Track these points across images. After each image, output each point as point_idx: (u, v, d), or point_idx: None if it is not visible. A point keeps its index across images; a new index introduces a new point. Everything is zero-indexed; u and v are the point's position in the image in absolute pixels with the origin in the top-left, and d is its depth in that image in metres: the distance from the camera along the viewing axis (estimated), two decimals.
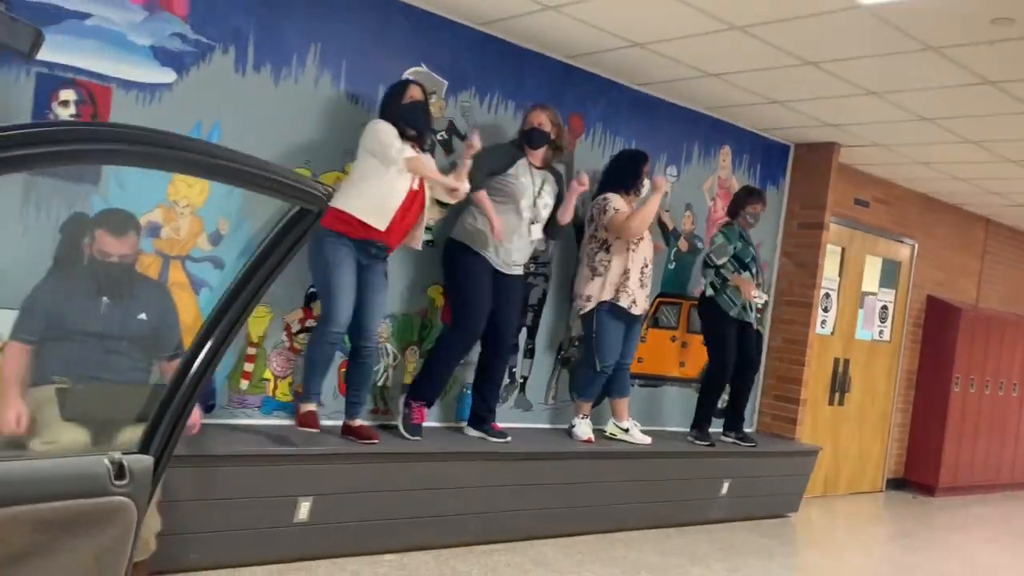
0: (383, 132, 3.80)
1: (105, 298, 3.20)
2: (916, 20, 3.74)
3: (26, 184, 3.37)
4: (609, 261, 4.85)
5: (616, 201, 4.85)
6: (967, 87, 4.47)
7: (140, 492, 1.42)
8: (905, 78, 4.51)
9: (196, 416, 3.22)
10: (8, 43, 0.93)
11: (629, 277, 4.82)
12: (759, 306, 5.56)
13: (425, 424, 4.33)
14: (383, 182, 3.78)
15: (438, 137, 4.55)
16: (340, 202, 3.77)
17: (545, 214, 4.49)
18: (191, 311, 3.72)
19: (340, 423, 4.08)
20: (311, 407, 3.87)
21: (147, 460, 1.47)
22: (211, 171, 1.27)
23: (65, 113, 3.43)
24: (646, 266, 4.89)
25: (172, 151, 1.20)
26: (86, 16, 3.44)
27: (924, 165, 6.51)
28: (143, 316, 3.27)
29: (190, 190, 3.78)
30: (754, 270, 5.46)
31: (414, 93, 3.95)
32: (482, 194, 4.25)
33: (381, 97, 4.05)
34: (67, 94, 3.43)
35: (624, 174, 4.89)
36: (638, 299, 4.88)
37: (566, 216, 4.57)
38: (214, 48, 3.78)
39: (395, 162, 3.76)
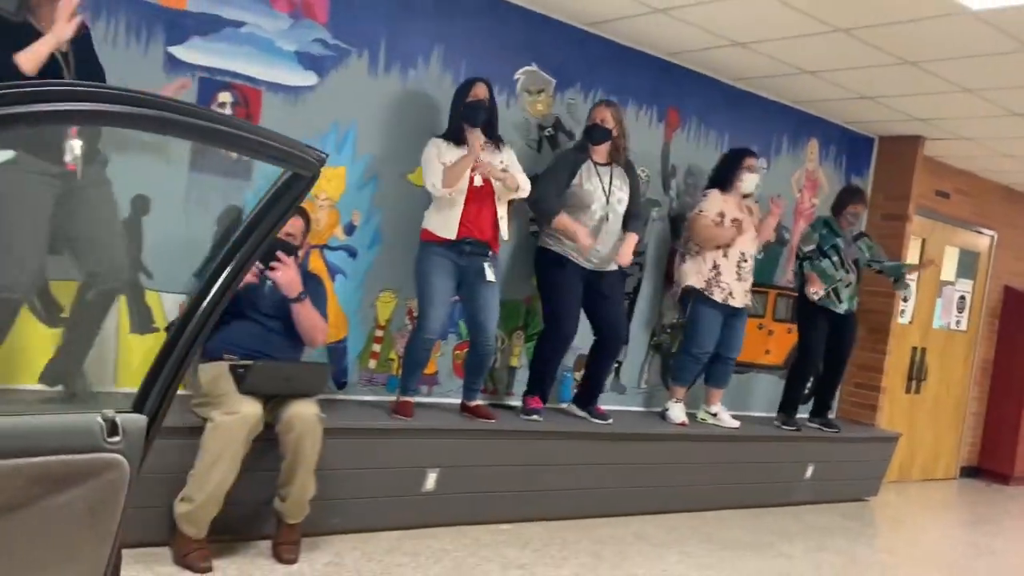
0: (425, 165, 3.99)
1: (270, 280, 3.51)
2: (1018, 21, 3.87)
3: (188, 182, 3.70)
4: (699, 253, 5.06)
5: (708, 200, 5.05)
6: None
7: (133, 450, 1.42)
8: (1001, 76, 4.62)
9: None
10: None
11: (721, 270, 5.02)
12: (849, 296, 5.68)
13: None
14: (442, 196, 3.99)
15: (545, 133, 4.80)
16: (425, 220, 4.07)
17: (621, 208, 4.55)
18: (328, 296, 4.03)
19: (455, 401, 4.39)
20: (407, 398, 4.15)
21: (141, 419, 1.47)
22: (205, 135, 1.25)
23: None
24: (744, 260, 5.07)
25: (167, 114, 1.18)
26: (241, 24, 3.75)
27: (1008, 157, 6.58)
28: (292, 306, 3.57)
29: (329, 184, 4.08)
30: (836, 260, 5.59)
31: (478, 92, 4.05)
32: (561, 218, 4.35)
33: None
34: (224, 96, 3.75)
35: (723, 171, 5.08)
36: (735, 291, 5.06)
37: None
38: (350, 52, 4.07)
39: (437, 194, 3.96)
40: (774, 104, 5.81)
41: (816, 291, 5.49)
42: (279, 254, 3.39)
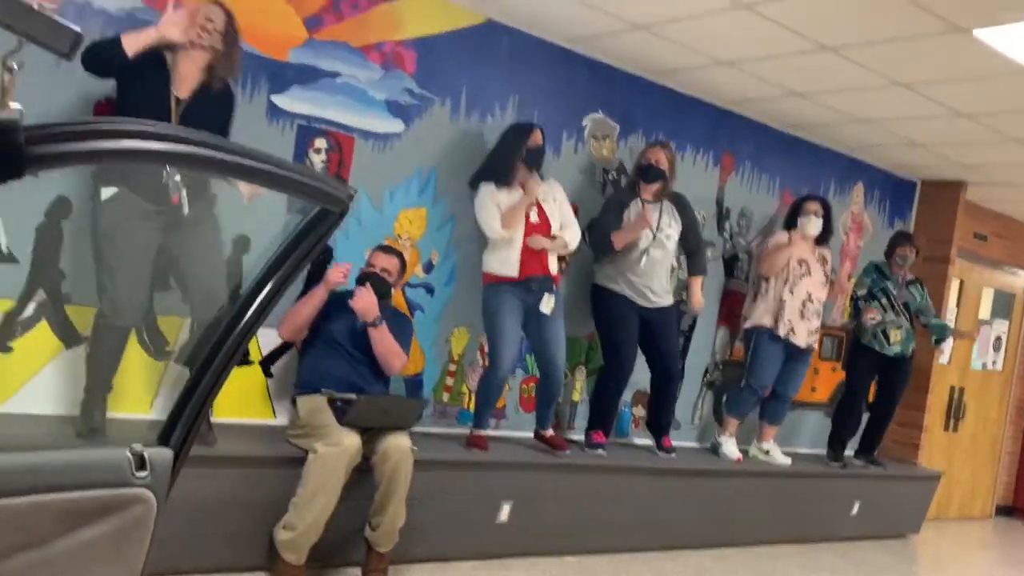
0: (479, 213, 4.14)
1: (348, 317, 3.68)
2: None
3: (284, 224, 3.89)
4: (767, 289, 5.24)
5: (777, 237, 5.25)
6: None
7: (159, 484, 1.42)
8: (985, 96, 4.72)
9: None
10: (48, 43, 0.94)
11: (785, 306, 5.18)
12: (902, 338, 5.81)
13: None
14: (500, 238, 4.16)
15: (609, 177, 4.99)
16: (484, 263, 4.24)
17: (670, 244, 4.70)
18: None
19: (522, 434, 4.55)
20: (480, 432, 4.31)
21: (167, 453, 1.47)
22: (237, 171, 1.25)
23: (318, 159, 3.96)
24: (810, 300, 5.22)
25: (201, 151, 1.17)
26: (337, 75, 3.97)
27: None
28: (369, 330, 3.74)
29: (411, 225, 4.28)
30: (884, 302, 5.75)
31: (537, 138, 4.21)
32: (616, 236, 4.49)
33: (506, 129, 4.29)
34: (320, 143, 3.96)
35: (790, 216, 5.30)
36: (797, 329, 5.20)
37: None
38: (434, 101, 4.28)
39: (494, 237, 4.13)
40: (823, 150, 6.00)
41: (872, 316, 5.62)
42: (356, 288, 3.60)
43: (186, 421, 1.51)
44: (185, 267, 3.41)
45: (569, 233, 4.31)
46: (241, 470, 3.46)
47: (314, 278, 3.95)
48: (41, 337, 3.41)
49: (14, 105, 0.92)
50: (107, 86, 3.42)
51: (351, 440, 3.36)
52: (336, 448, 3.32)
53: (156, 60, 3.18)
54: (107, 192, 3.15)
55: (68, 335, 3.46)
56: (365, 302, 3.59)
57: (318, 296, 3.63)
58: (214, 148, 1.19)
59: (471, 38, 4.35)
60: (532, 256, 4.17)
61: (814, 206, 5.29)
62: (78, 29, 0.96)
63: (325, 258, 4.01)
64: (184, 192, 3.17)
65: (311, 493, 3.32)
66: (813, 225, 5.27)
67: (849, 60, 4.18)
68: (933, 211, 6.67)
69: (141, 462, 1.38)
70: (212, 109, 3.27)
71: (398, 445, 3.47)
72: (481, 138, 4.45)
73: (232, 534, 3.46)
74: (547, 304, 4.18)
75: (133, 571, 1.41)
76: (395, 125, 4.17)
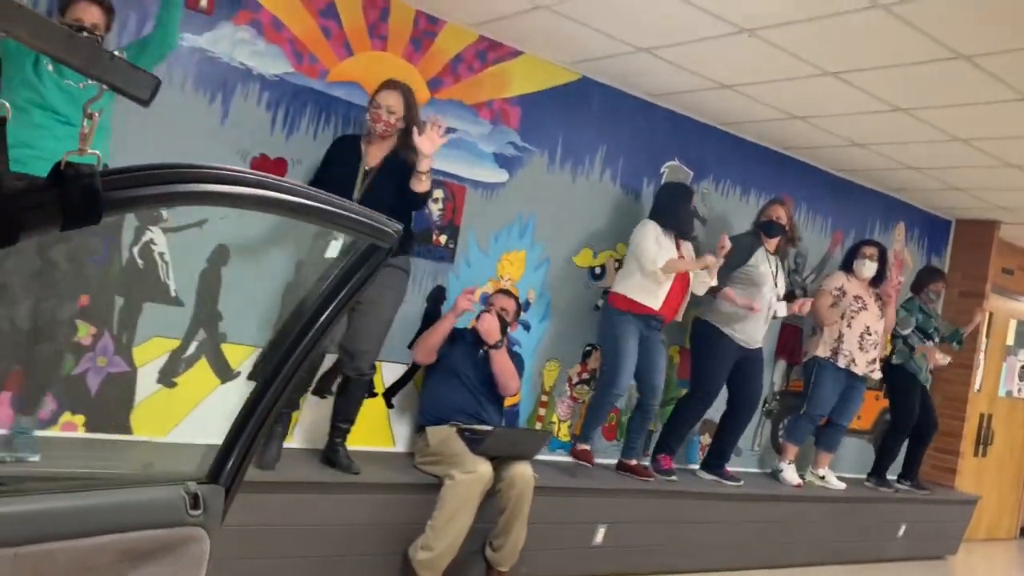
0: (644, 242, 4.56)
1: (481, 350, 4.03)
2: None
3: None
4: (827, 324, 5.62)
5: (831, 278, 5.63)
6: None
7: (213, 521, 1.44)
8: None
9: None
10: (128, 90, 0.96)
11: (843, 339, 5.54)
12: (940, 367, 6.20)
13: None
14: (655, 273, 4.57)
15: None
16: (622, 287, 4.61)
17: (781, 294, 5.19)
18: None
19: (604, 461, 4.88)
20: (586, 446, 4.65)
21: (219, 490, 1.49)
22: (288, 208, 1.26)
23: (435, 208, 4.30)
24: (868, 332, 5.59)
25: (256, 191, 1.18)
26: (453, 131, 4.32)
27: None
28: (490, 352, 4.08)
29: (511, 267, 4.62)
30: (936, 340, 6.14)
31: (694, 199, 4.77)
32: (727, 291, 4.93)
33: (661, 191, 4.84)
34: (437, 193, 4.31)
35: (848, 257, 5.70)
36: (857, 360, 5.56)
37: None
38: (534, 153, 4.64)
39: (649, 269, 4.53)
40: (869, 191, 6.38)
41: (942, 359, 6.00)
42: (481, 314, 3.97)
43: (236, 459, 1.52)
44: (357, 329, 3.73)
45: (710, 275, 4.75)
46: (376, 496, 3.78)
47: (430, 316, 4.30)
48: (201, 373, 3.74)
49: (92, 151, 0.94)
50: (262, 143, 3.77)
51: (484, 468, 3.69)
52: (472, 475, 3.65)
53: (354, 144, 3.67)
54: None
55: (224, 371, 3.78)
56: (490, 325, 3.95)
57: (448, 322, 3.98)
58: (275, 189, 1.21)
59: (567, 94, 4.72)
60: (672, 299, 4.63)
61: (871, 251, 5.66)
62: (158, 77, 0.98)
63: (439, 296, 4.35)
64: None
65: (449, 516, 3.64)
66: (868, 269, 5.64)
67: (919, 119, 4.56)
68: (968, 248, 7.06)
69: (195, 501, 1.40)
70: (395, 176, 3.64)
71: (523, 473, 3.80)
72: (573, 186, 4.81)
73: (368, 555, 3.77)
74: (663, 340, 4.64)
75: None
76: (500, 175, 4.53)
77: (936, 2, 3.15)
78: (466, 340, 4.07)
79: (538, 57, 4.57)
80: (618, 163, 4.97)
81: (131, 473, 3.26)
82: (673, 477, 4.96)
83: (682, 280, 4.71)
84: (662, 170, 5.19)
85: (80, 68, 0.94)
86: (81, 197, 0.92)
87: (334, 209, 1.31)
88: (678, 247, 4.70)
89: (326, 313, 1.51)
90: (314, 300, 1.53)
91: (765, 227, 5.14)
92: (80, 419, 3.44)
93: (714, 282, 4.75)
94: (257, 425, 1.53)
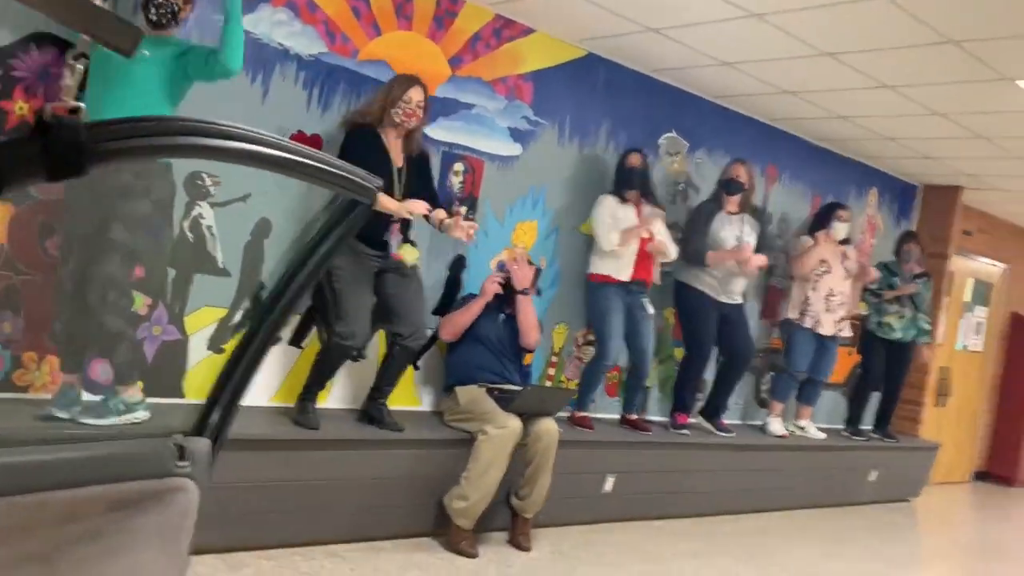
0: (596, 223, 4.85)
1: (502, 314, 4.31)
2: None
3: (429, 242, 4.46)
4: (794, 288, 5.98)
5: (805, 242, 5.97)
6: None
7: (200, 473, 1.46)
8: (1009, 126, 5.47)
9: None
10: (111, 40, 0.95)
11: (810, 302, 5.93)
12: (905, 326, 6.63)
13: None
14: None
15: (678, 188, 5.65)
16: (593, 264, 4.95)
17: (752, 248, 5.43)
18: None
19: (608, 416, 5.22)
20: (584, 413, 4.99)
21: (206, 443, 1.50)
22: (273, 162, 1.26)
23: (456, 180, 4.54)
24: (832, 294, 5.98)
25: (232, 143, 1.19)
26: (472, 107, 4.53)
27: None
28: (518, 297, 4.37)
29: (525, 236, 4.88)
30: (901, 298, 6.56)
31: (631, 160, 4.95)
32: (711, 256, 5.22)
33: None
34: (458, 166, 4.53)
35: (820, 220, 6.01)
36: (823, 320, 5.96)
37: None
38: (545, 126, 4.88)
39: (605, 249, 4.82)
40: (845, 159, 6.75)
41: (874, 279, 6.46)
42: (509, 260, 4.25)
43: (220, 412, 1.54)
44: (395, 305, 3.96)
45: (670, 248, 5.01)
46: (413, 451, 4.06)
47: (452, 283, 4.56)
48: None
49: (76, 103, 0.92)
50: (299, 120, 3.96)
51: (515, 423, 3.98)
52: (505, 430, 3.94)
53: (376, 139, 3.83)
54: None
55: None
56: (524, 272, 4.25)
57: (478, 305, 4.25)
58: (259, 143, 1.21)
59: (575, 70, 4.95)
60: (641, 264, 4.84)
61: (846, 213, 6.03)
62: (140, 29, 0.98)
63: (460, 264, 4.60)
64: (396, 242, 3.80)
65: (483, 468, 3.93)
66: (843, 230, 6.02)
67: (903, 95, 4.90)
68: (934, 212, 7.50)
69: (182, 452, 1.42)
70: (420, 168, 3.89)
71: (549, 428, 4.10)
72: (580, 158, 5.07)
73: (406, 505, 4.06)
74: (650, 305, 4.87)
75: (176, 560, 1.44)
76: (515, 149, 4.76)
77: None
78: (488, 305, 4.33)
79: (549, 35, 4.79)
80: (621, 136, 5.24)
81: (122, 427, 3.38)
82: (686, 432, 5.33)
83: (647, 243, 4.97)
84: (660, 141, 5.47)
85: (65, 21, 0.96)
86: (65, 148, 0.92)
87: (317, 164, 1.32)
88: (639, 211, 4.94)
89: (307, 267, 1.52)
90: (292, 262, 1.53)
91: (726, 185, 5.38)
92: (139, 384, 3.63)
93: (671, 256, 5.05)
94: (241, 379, 1.55)
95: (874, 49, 4.21)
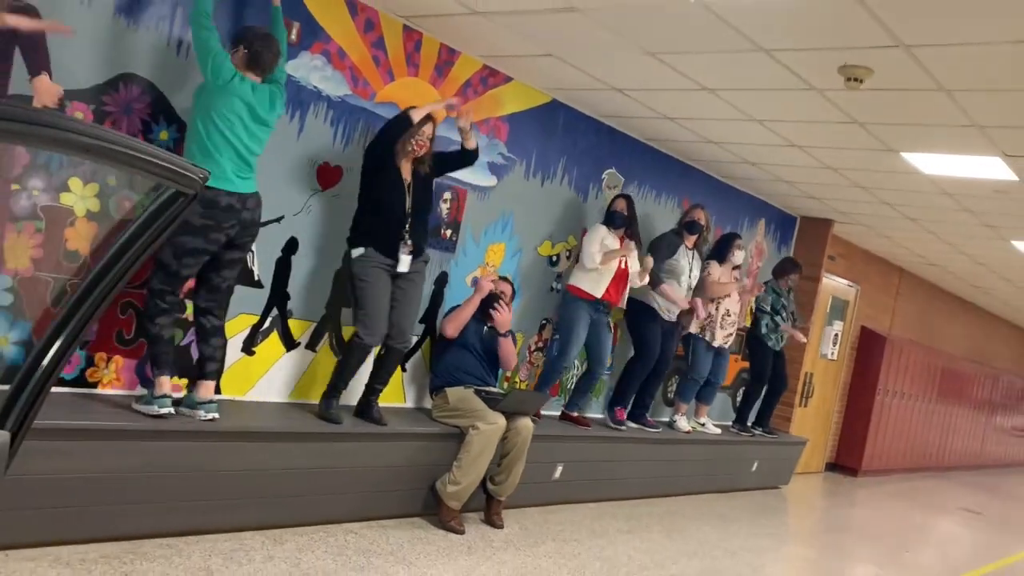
0: (588, 245, 5.73)
1: (484, 326, 5.03)
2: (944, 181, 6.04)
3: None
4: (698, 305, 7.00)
5: (713, 268, 6.98)
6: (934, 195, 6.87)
7: None
8: (886, 183, 6.70)
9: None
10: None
11: (711, 320, 6.96)
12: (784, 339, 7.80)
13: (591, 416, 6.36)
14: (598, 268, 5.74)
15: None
16: (574, 279, 5.77)
17: (695, 281, 6.52)
18: None
19: (550, 412, 6.04)
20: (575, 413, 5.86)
21: (4, 435, 1.47)
22: (93, 151, 1.24)
23: (444, 207, 5.20)
24: (728, 314, 7.02)
25: (55, 132, 1.17)
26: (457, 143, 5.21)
27: (884, 237, 9.00)
28: (500, 339, 5.10)
29: (495, 255, 5.61)
30: (784, 315, 7.72)
31: (618, 205, 5.89)
32: (664, 288, 6.20)
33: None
34: (447, 195, 5.20)
35: (722, 249, 7.03)
36: (716, 335, 6.97)
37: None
38: (515, 162, 5.62)
39: (589, 268, 5.70)
40: (743, 193, 7.84)
41: (801, 336, 7.57)
42: (500, 301, 4.96)
43: (23, 406, 1.51)
44: (401, 306, 4.58)
45: (636, 281, 5.99)
46: (405, 443, 4.70)
47: (436, 297, 5.24)
48: (272, 344, 4.49)
49: None
50: (326, 153, 4.53)
51: (502, 420, 4.72)
52: (494, 426, 4.67)
53: (393, 163, 4.44)
54: (356, 252, 4.35)
55: (289, 342, 4.55)
56: (505, 317, 4.96)
57: (475, 300, 4.97)
58: (80, 133, 1.20)
59: (541, 113, 5.72)
60: (613, 287, 5.77)
61: (741, 243, 7.09)
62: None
63: (444, 281, 5.28)
64: (407, 258, 4.42)
65: (474, 457, 4.64)
66: (740, 256, 7.08)
67: (807, 153, 5.95)
68: (809, 239, 8.75)
69: None
70: (424, 186, 4.54)
71: (526, 424, 4.87)
72: (540, 189, 5.84)
73: (400, 489, 4.71)
74: (610, 322, 5.79)
75: None
76: (491, 180, 5.48)
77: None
78: (473, 317, 5.03)
79: (523, 83, 5.53)
80: (573, 171, 6.05)
81: None
82: (623, 427, 6.21)
83: (622, 274, 5.88)
84: (603, 176, 6.32)
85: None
86: None
87: (137, 153, 1.30)
88: (622, 244, 5.85)
89: (125, 256, 1.49)
90: (111, 250, 1.51)
91: (688, 226, 6.40)
92: (183, 382, 4.12)
93: (643, 281, 5.96)
94: (47, 372, 1.52)
95: (796, 121, 5.21)
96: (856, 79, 4.08)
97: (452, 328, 5.01)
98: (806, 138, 5.62)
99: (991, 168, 5.37)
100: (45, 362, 1.50)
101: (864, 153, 5.63)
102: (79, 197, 3.67)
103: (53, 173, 3.59)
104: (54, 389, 4.06)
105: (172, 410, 3.70)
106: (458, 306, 5.09)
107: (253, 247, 4.28)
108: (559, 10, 4.05)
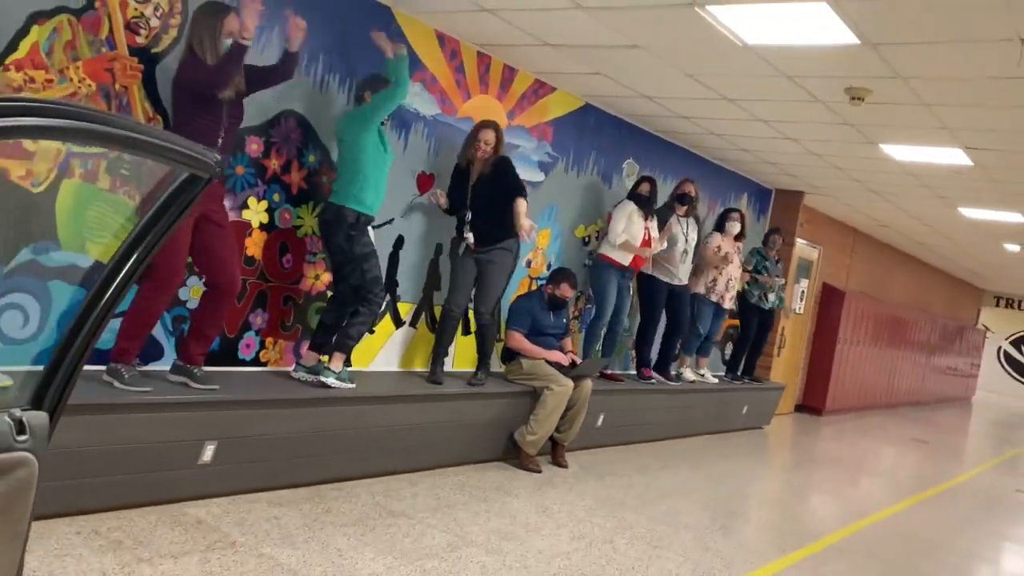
0: (615, 222, 6.70)
1: (551, 314, 6.02)
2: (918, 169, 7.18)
3: None
4: (703, 271, 8.09)
5: (714, 238, 8.06)
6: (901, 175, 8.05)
7: (39, 446, 1.45)
8: (861, 166, 7.90)
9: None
10: (585, 373, 1.45)
11: (716, 283, 8.05)
12: (774, 298, 8.97)
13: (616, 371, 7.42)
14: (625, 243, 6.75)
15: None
16: (605, 249, 6.75)
17: (691, 248, 7.55)
18: None
19: None
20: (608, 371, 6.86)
21: (43, 416, 1.50)
22: (107, 140, 1.25)
23: None
24: (731, 279, 8.13)
25: (70, 122, 1.17)
26: (518, 147, 6.13)
27: (846, 205, 10.20)
28: (564, 321, 6.11)
29: (542, 240, 6.57)
30: (766, 275, 8.88)
31: (643, 188, 6.88)
32: (625, 243, 7.19)
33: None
34: None
35: (720, 221, 8.13)
36: (724, 299, 8.10)
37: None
38: (558, 159, 6.56)
39: (616, 242, 6.69)
40: (728, 171, 8.92)
41: (767, 281, 8.70)
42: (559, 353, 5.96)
43: (58, 385, 1.54)
44: (485, 287, 5.52)
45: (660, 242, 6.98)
46: (492, 400, 5.69)
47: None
48: (385, 323, 5.41)
49: None
50: (423, 163, 5.43)
51: (570, 382, 5.74)
52: (565, 387, 5.69)
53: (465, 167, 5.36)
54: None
55: (397, 321, 5.48)
56: (560, 359, 5.94)
57: (542, 354, 5.89)
58: (96, 121, 1.22)
59: (577, 116, 6.66)
60: (638, 257, 6.73)
61: (736, 215, 8.19)
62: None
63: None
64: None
65: (549, 412, 5.65)
66: (735, 227, 8.17)
67: (798, 144, 7.02)
68: (784, 210, 9.90)
69: (21, 427, 1.42)
70: (492, 178, 5.40)
71: (589, 385, 5.91)
72: (576, 181, 6.80)
73: (487, 438, 5.70)
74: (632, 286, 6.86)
75: (19, 532, 1.44)
76: (540, 176, 6.42)
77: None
78: (544, 308, 5.98)
79: (565, 91, 6.45)
80: (600, 163, 7.02)
81: None
82: (652, 381, 7.30)
83: (645, 245, 6.90)
84: (623, 166, 7.30)
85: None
86: None
87: (153, 139, 1.32)
88: (646, 220, 6.83)
89: (145, 241, 1.54)
90: (131, 234, 1.55)
91: (679, 198, 7.39)
92: (326, 357, 5.01)
93: (662, 247, 7.01)
94: (80, 351, 1.55)
95: (797, 122, 6.26)
96: (859, 97, 5.13)
97: (513, 345, 5.90)
98: (802, 133, 6.69)
99: (952, 156, 6.52)
100: (77, 343, 1.55)
101: (849, 144, 6.73)
102: (254, 212, 4.52)
103: (237, 194, 4.43)
104: (248, 369, 4.96)
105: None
106: (531, 336, 5.93)
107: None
108: (627, 47, 4.99)
